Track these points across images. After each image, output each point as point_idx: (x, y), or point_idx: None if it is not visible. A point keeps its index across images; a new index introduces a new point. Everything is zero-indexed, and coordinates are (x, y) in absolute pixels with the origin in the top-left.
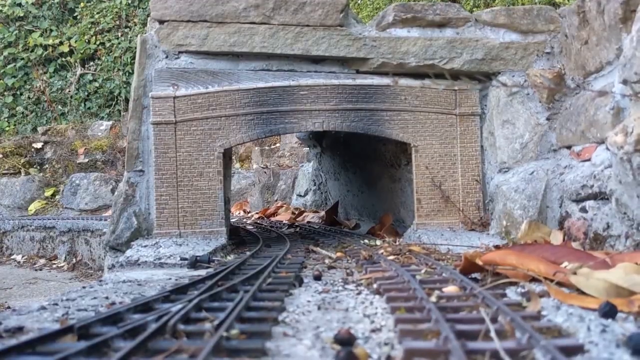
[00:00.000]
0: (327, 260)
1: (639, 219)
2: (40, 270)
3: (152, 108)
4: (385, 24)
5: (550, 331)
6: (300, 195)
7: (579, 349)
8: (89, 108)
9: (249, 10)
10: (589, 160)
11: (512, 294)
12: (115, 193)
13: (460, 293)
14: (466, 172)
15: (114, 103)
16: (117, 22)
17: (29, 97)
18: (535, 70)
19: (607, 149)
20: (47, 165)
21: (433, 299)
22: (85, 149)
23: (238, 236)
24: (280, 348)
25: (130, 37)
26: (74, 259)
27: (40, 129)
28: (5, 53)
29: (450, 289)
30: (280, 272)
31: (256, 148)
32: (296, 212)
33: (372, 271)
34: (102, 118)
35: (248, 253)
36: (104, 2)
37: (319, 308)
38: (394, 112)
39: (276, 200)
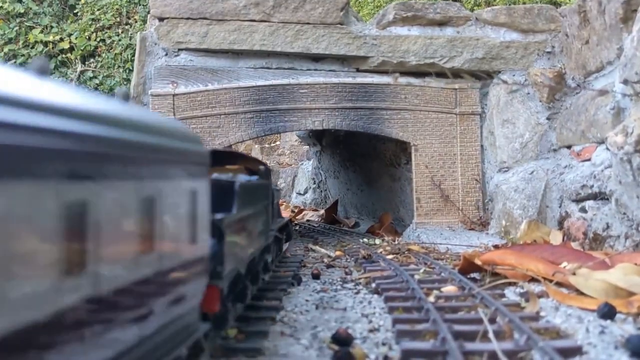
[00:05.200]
0: (326, 259)
1: (639, 220)
2: None
3: (151, 105)
4: (385, 22)
5: (549, 332)
6: (300, 194)
7: (577, 351)
8: None
9: (249, 8)
10: (589, 160)
11: (511, 294)
12: None
13: (459, 293)
14: (466, 171)
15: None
16: (118, 19)
17: None
18: (536, 70)
19: (607, 149)
20: None
21: (431, 298)
22: None
23: None
24: (277, 347)
25: (131, 34)
26: None
27: None
28: (6, 49)
29: (449, 289)
30: (279, 271)
31: (256, 146)
32: (296, 210)
33: (371, 270)
34: None
35: None
36: None
37: (317, 307)
38: (394, 110)
39: None
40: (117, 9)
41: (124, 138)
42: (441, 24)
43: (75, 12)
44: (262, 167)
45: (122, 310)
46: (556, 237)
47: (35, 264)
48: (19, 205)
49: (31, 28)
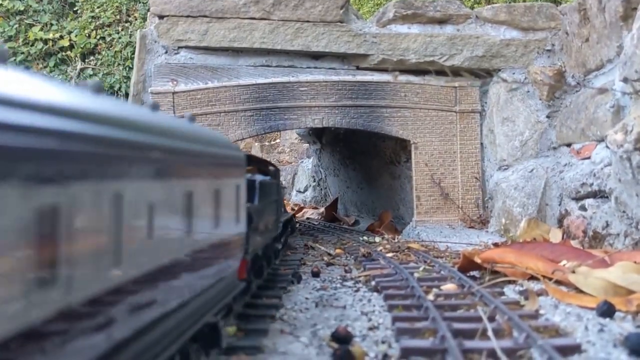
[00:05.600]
0: (325, 257)
1: (638, 218)
2: None
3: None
4: (385, 20)
5: (548, 330)
6: (300, 192)
7: (576, 349)
8: None
9: (248, 6)
10: (588, 158)
11: (511, 292)
12: None
13: (458, 291)
14: (466, 169)
15: (114, 98)
16: (118, 17)
17: None
18: (536, 68)
19: (607, 147)
20: None
21: (431, 297)
22: None
23: None
24: (277, 345)
25: (131, 32)
26: None
27: None
28: (6, 47)
29: (449, 287)
30: (278, 269)
31: (256, 144)
32: (296, 208)
33: (371, 268)
34: None
35: None
36: None
37: (316, 305)
38: (393, 108)
39: None
40: (117, 6)
41: (209, 152)
42: (441, 21)
43: (75, 9)
44: (272, 168)
45: (207, 260)
46: (556, 235)
47: (169, 228)
48: (169, 193)
49: (31, 26)
